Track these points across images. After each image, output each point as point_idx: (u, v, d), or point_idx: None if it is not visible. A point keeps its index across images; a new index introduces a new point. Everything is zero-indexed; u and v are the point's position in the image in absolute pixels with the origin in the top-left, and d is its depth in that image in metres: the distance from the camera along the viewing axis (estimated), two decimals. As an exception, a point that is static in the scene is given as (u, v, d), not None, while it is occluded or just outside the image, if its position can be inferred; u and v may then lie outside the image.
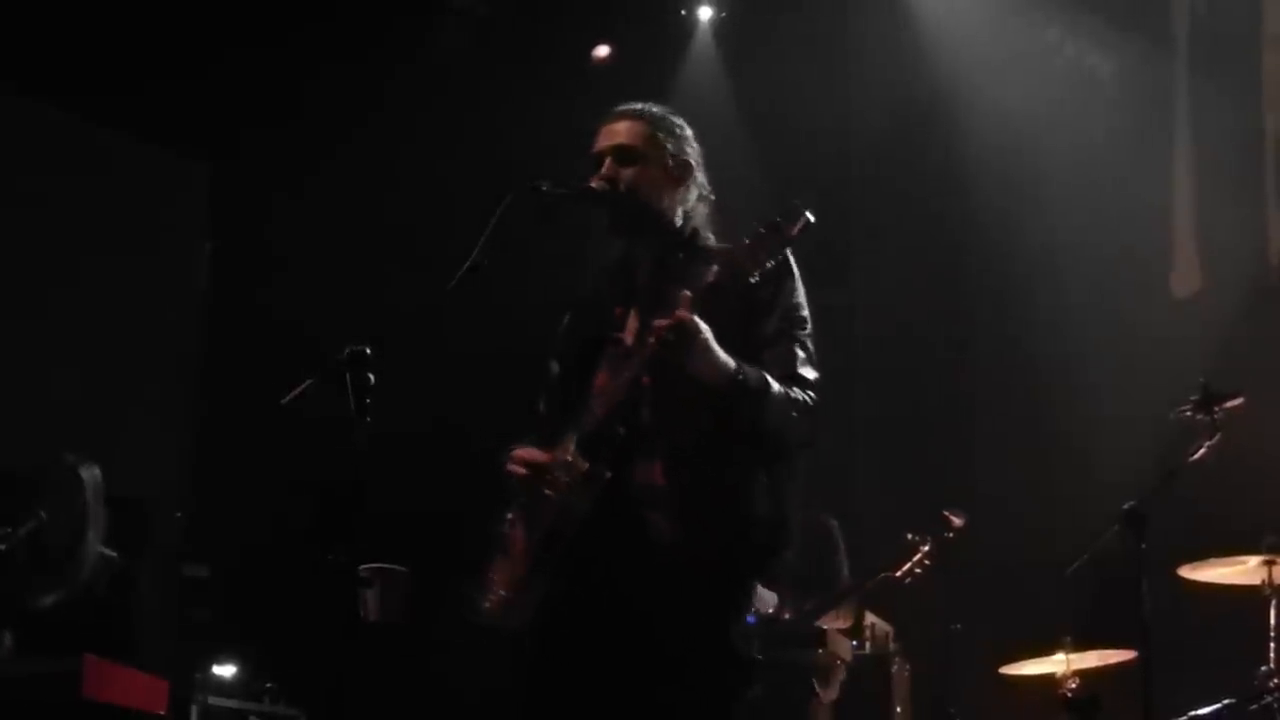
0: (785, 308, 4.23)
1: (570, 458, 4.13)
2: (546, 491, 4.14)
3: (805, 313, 4.27)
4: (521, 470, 4.23)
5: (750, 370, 4.06)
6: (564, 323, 4.56)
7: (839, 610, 7.63)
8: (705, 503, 4.09)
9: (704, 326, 3.98)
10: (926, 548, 7.29)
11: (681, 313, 3.97)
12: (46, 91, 8.71)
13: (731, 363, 4.03)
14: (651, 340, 4.00)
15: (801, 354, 4.22)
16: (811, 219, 3.98)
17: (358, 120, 9.25)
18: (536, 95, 9.31)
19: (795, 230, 3.98)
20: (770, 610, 7.09)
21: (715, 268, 4.00)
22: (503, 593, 4.21)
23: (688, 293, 3.99)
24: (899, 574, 7.35)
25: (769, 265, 3.99)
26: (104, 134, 9.04)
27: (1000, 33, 9.34)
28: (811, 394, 4.17)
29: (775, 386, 4.09)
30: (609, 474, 4.07)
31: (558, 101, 8.94)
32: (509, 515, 4.29)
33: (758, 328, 4.19)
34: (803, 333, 4.25)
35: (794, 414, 4.11)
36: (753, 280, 3.98)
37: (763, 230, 3.99)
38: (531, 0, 9.76)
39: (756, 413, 4.07)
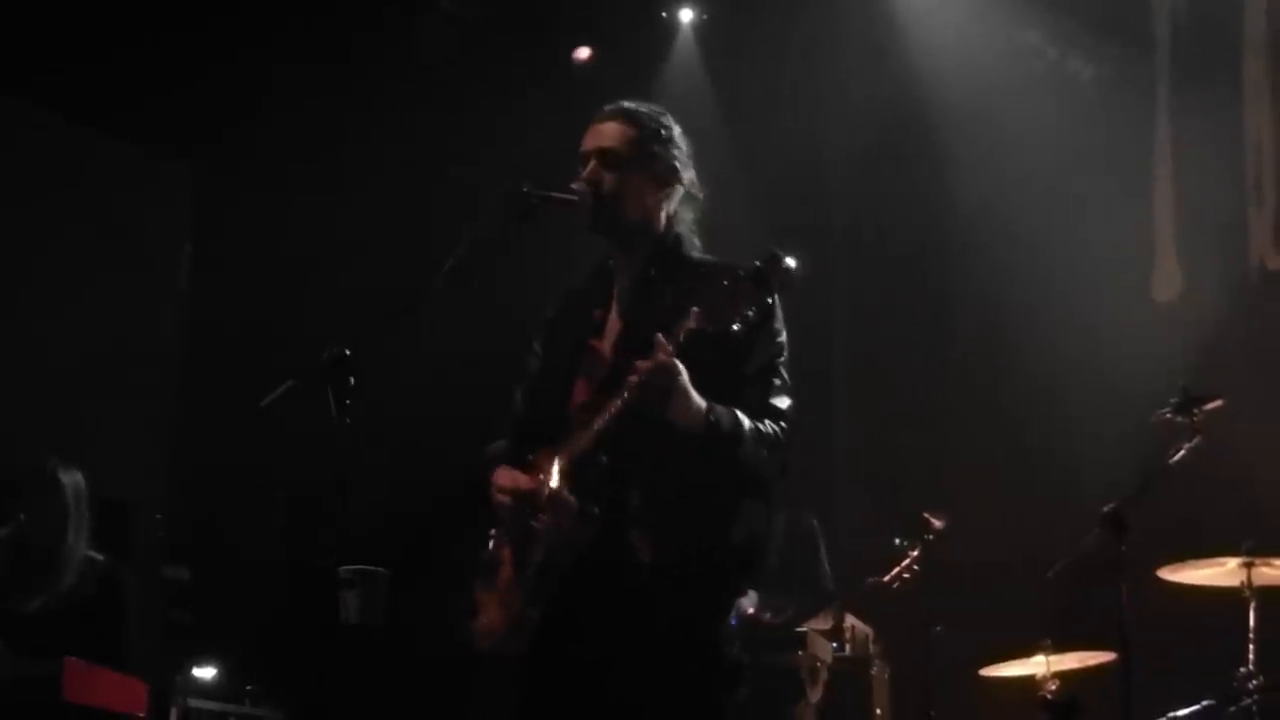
0: (763, 344, 4.22)
1: (556, 486, 4.14)
2: (534, 525, 4.15)
3: (783, 339, 4.27)
4: (507, 500, 4.24)
5: (723, 412, 4.07)
6: (547, 314, 4.56)
7: (823, 613, 7.65)
8: (679, 525, 4.10)
9: (683, 371, 4.00)
10: (915, 553, 7.30)
11: (662, 357, 3.98)
12: (29, 90, 8.69)
13: (704, 405, 4.04)
14: (633, 380, 4.01)
15: (777, 382, 4.23)
16: (793, 266, 3.99)
17: (341, 121, 9.24)
18: (518, 96, 9.30)
19: (778, 281, 4.00)
20: (750, 610, 7.10)
21: (696, 310, 3.99)
22: (496, 620, 4.22)
23: (661, 337, 4.00)
24: (887, 579, 7.36)
25: (750, 314, 3.99)
26: (86, 133, 9.02)
27: (982, 36, 9.35)
28: (783, 424, 4.18)
29: (747, 425, 4.10)
30: (598, 510, 4.09)
31: (539, 102, 8.94)
32: (492, 534, 4.30)
33: (738, 367, 4.19)
34: (779, 361, 4.26)
35: (765, 449, 4.12)
36: (735, 329, 3.99)
37: (742, 274, 4.00)
38: (513, 1, 9.75)
39: (730, 454, 4.08)
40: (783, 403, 4.22)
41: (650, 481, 4.12)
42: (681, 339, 3.99)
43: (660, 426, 4.03)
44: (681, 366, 4.00)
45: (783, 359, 4.26)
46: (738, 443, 4.07)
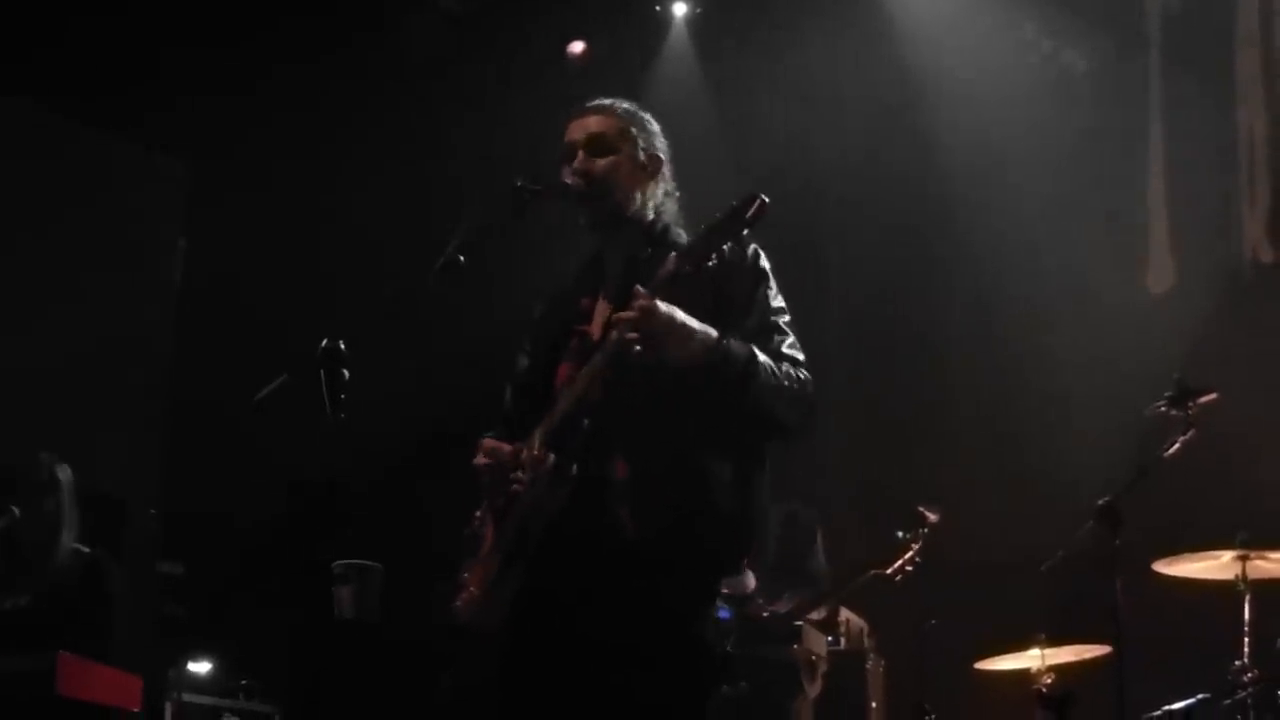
0: (762, 305, 4.18)
1: (536, 452, 4.08)
2: (513, 486, 4.10)
3: (783, 305, 4.23)
4: (485, 461, 4.20)
5: (736, 342, 3.98)
6: (535, 314, 4.55)
7: (823, 606, 7.66)
8: (667, 497, 4.01)
9: (668, 306, 3.92)
10: (918, 545, 7.31)
11: (642, 301, 3.91)
12: (24, 86, 8.67)
13: (712, 332, 3.96)
14: (614, 334, 3.95)
15: (790, 339, 4.16)
16: (767, 202, 3.90)
17: (336, 117, 9.23)
18: (512, 91, 9.30)
19: (750, 214, 3.90)
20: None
21: (674, 255, 3.95)
22: (474, 591, 4.18)
23: (640, 288, 3.93)
24: (890, 571, 7.36)
25: (725, 249, 3.93)
26: (80, 129, 8.99)
27: (975, 29, 9.35)
28: (804, 373, 4.10)
29: (764, 359, 4.00)
30: (575, 468, 4.02)
31: (533, 97, 8.93)
32: (478, 513, 4.27)
33: (737, 326, 4.11)
34: (785, 321, 4.19)
35: (787, 386, 4.03)
36: (710, 264, 3.91)
37: (718, 215, 3.94)
38: (506, -4, 9.76)
39: (745, 384, 3.98)
40: (800, 355, 4.14)
41: (636, 448, 4.04)
42: (664, 282, 3.93)
43: (648, 389, 3.97)
44: (669, 305, 3.92)
45: (788, 320, 4.20)
46: (752, 375, 3.98)
